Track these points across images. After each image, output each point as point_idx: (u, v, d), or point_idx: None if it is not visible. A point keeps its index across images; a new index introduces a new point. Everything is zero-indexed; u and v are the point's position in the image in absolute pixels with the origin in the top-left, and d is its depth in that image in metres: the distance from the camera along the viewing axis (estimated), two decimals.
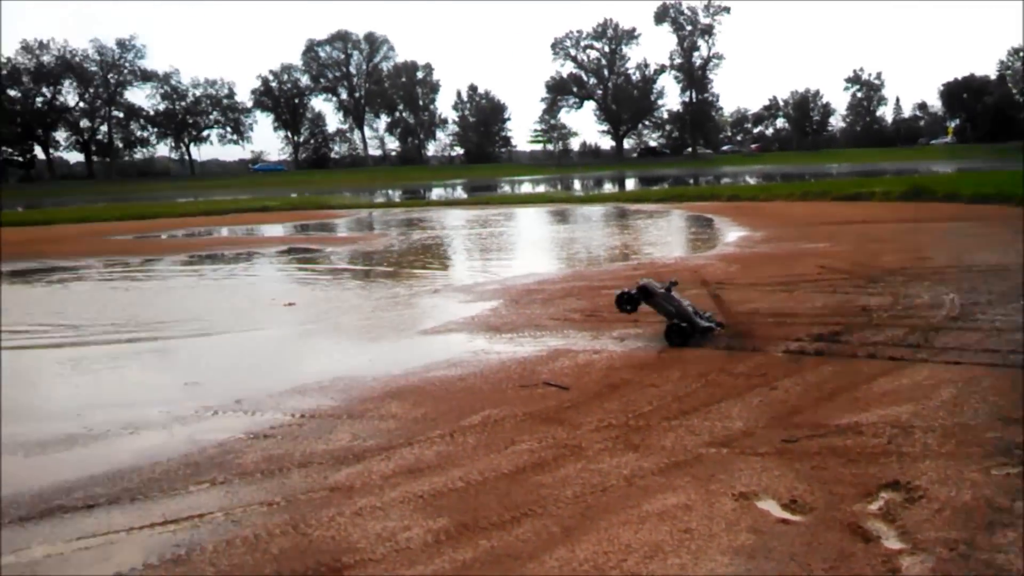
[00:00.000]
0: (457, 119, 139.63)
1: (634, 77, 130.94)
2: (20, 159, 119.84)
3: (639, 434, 6.25)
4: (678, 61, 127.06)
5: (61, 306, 14.07)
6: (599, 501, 5.09)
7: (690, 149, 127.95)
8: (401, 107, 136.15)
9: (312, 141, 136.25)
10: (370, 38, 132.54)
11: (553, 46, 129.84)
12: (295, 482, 5.60)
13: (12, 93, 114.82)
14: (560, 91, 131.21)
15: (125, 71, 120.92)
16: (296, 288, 15.51)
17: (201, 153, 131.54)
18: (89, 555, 4.69)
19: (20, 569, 4.55)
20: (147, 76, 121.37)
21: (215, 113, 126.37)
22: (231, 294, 14.99)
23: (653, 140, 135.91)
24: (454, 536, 4.68)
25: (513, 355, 9.03)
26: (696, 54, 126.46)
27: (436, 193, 60.07)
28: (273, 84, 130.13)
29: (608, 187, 60.23)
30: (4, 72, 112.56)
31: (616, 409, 6.88)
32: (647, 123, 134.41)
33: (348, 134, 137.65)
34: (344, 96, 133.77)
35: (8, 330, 11.71)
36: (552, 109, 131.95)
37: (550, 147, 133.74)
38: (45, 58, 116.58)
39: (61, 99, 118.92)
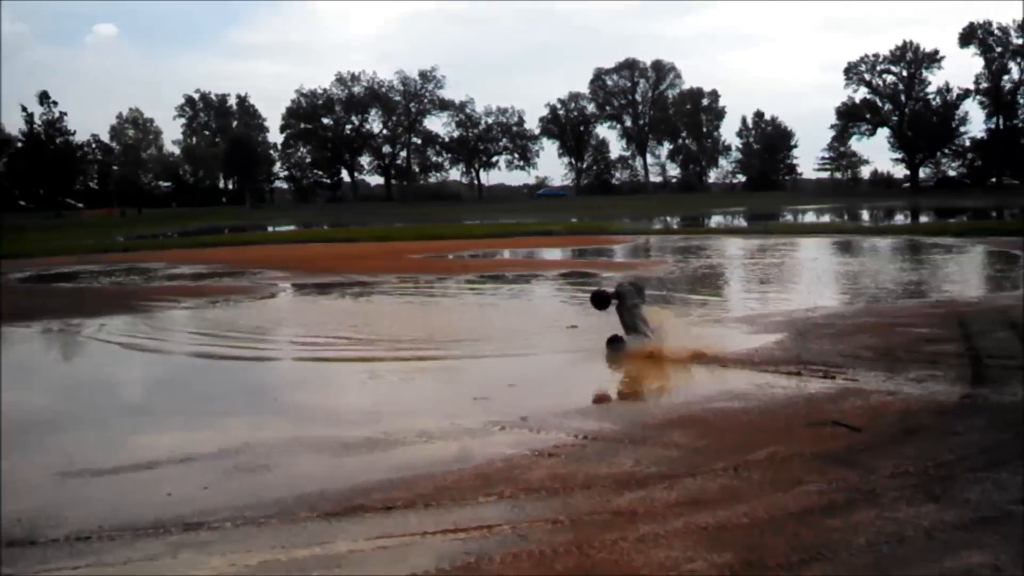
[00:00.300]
0: (740, 146, 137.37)
1: (934, 102, 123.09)
2: (328, 181, 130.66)
3: (940, 484, 5.84)
4: (984, 85, 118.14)
5: (361, 318, 15.08)
6: (895, 552, 4.80)
7: (995, 179, 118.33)
8: (684, 134, 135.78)
9: (595, 167, 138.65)
10: (657, 66, 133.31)
11: (846, 71, 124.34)
12: (579, 502, 5.68)
13: (325, 121, 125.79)
14: (852, 117, 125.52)
15: (425, 100, 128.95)
16: (577, 311, 15.74)
17: (489, 178, 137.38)
18: (387, 555, 4.97)
19: (326, 562, 4.89)
20: (445, 105, 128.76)
21: (504, 140, 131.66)
22: (516, 314, 15.47)
23: (952, 169, 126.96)
24: (739, 574, 4.56)
25: (800, 391, 8.72)
26: (1006, 77, 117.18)
27: (715, 220, 59.22)
28: (560, 112, 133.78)
29: (900, 218, 56.92)
30: (320, 102, 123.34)
31: (913, 455, 6.46)
32: (946, 151, 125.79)
33: (630, 161, 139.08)
34: (628, 123, 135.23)
35: (315, 339, 12.70)
36: (842, 136, 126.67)
37: (838, 175, 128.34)
38: (356, 89, 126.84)
39: (367, 126, 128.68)
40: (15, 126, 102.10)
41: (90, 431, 8.15)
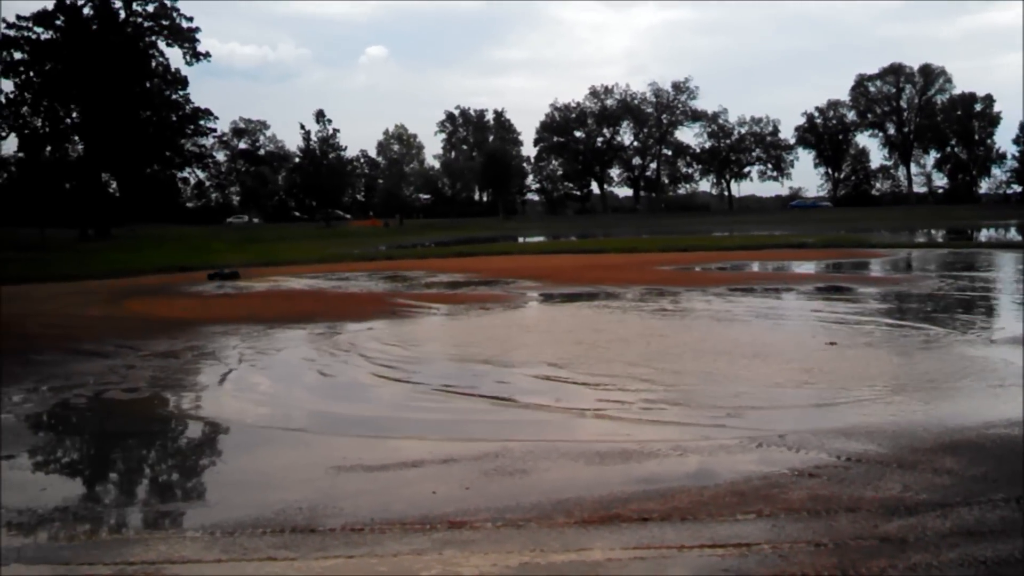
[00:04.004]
0: (1017, 154, 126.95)
1: None
2: (578, 193, 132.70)
3: None
4: None
5: (602, 333, 15.18)
6: None
7: None
8: (953, 141, 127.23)
9: (853, 177, 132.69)
10: (925, 70, 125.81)
11: None
12: (843, 526, 5.46)
13: (577, 134, 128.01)
14: None
15: (677, 111, 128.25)
16: (836, 328, 15.10)
17: (740, 189, 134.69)
18: (644, 565, 4.98)
19: (583, 568, 4.96)
20: (697, 116, 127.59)
21: (757, 150, 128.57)
22: (768, 330, 15.05)
23: None
24: None
25: None
26: None
27: (985, 234, 55.06)
28: (818, 120, 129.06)
29: None
30: (573, 116, 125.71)
31: None
32: None
33: (892, 170, 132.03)
34: (891, 131, 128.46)
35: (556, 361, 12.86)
36: None
37: None
38: (608, 102, 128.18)
39: (619, 139, 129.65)
40: (294, 143, 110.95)
41: (359, 428, 8.63)
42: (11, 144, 75.19)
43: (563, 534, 5.46)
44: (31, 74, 68.40)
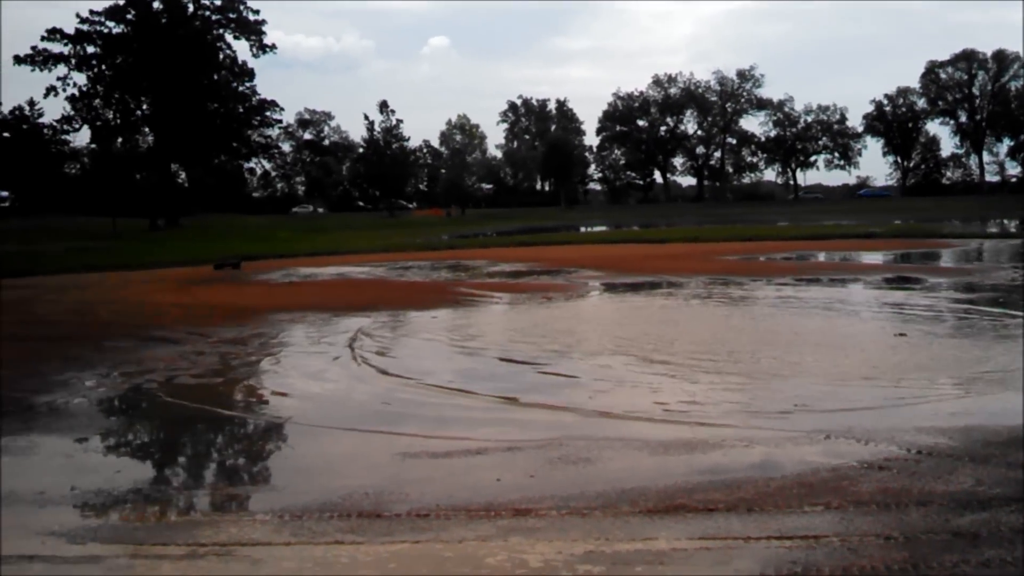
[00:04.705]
0: None
1: None
2: (640, 182, 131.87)
3: None
4: None
5: (668, 325, 15.08)
6: None
7: None
8: None
9: (923, 166, 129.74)
10: (999, 56, 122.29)
11: None
12: (913, 520, 5.36)
13: (640, 123, 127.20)
14: None
15: (742, 100, 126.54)
16: (904, 318, 14.81)
17: (806, 178, 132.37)
18: (710, 556, 4.95)
19: (649, 557, 4.94)
20: (762, 104, 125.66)
21: (824, 139, 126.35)
22: (835, 320, 14.81)
23: None
24: None
25: None
26: None
27: None
28: (887, 108, 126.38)
29: None
30: (636, 105, 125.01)
31: None
32: None
33: (963, 159, 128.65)
34: (963, 119, 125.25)
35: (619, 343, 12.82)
36: None
37: None
38: (672, 90, 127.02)
39: (682, 127, 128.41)
40: (358, 134, 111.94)
41: (421, 415, 8.67)
42: (84, 136, 77.07)
43: (628, 523, 5.45)
44: (103, 67, 69.88)
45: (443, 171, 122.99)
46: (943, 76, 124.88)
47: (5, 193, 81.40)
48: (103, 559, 5.22)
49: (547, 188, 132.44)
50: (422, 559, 5.02)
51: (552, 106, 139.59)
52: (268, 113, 77.97)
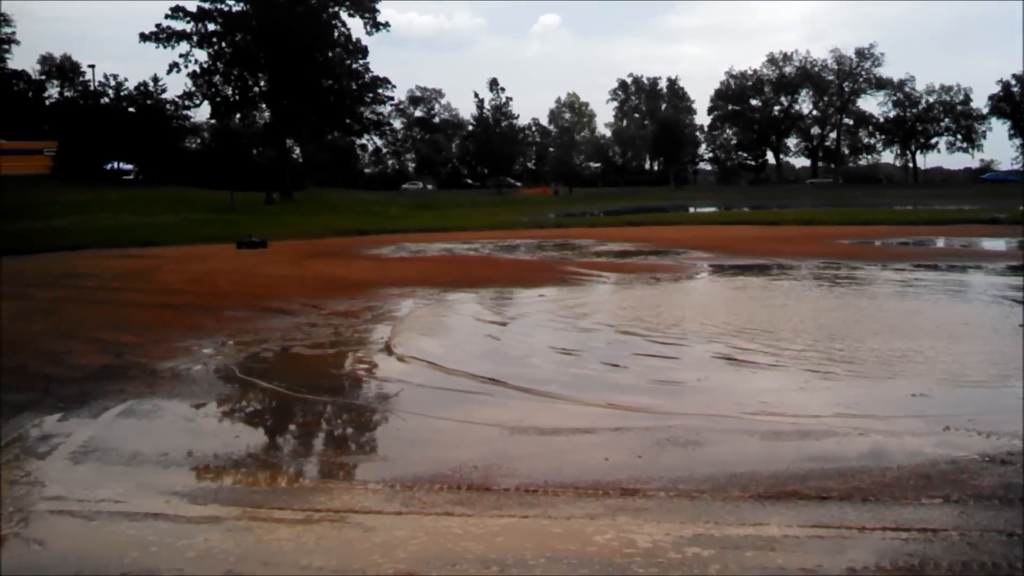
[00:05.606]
0: None
1: None
2: (752, 163, 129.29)
3: None
4: None
5: (778, 298, 14.78)
6: None
7: None
8: None
9: None
10: None
11: None
12: None
13: (753, 102, 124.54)
14: None
15: (860, 79, 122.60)
16: None
17: (926, 160, 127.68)
18: (822, 544, 4.85)
19: (759, 543, 4.87)
20: (881, 84, 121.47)
21: (946, 120, 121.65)
22: (954, 309, 14.30)
23: None
24: None
25: None
26: None
27: None
28: (1015, 89, 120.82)
29: None
30: (749, 84, 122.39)
31: None
32: None
33: None
34: None
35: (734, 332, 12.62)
36: None
37: None
38: (787, 69, 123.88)
39: (796, 107, 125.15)
40: (467, 111, 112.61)
41: (528, 391, 8.69)
42: (204, 112, 79.37)
43: (738, 507, 5.39)
44: (223, 44, 71.71)
45: (551, 149, 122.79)
46: None
47: (130, 166, 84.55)
48: (222, 520, 5.41)
49: (656, 168, 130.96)
50: (530, 534, 5.05)
51: (663, 84, 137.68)
52: (380, 90, 78.78)
